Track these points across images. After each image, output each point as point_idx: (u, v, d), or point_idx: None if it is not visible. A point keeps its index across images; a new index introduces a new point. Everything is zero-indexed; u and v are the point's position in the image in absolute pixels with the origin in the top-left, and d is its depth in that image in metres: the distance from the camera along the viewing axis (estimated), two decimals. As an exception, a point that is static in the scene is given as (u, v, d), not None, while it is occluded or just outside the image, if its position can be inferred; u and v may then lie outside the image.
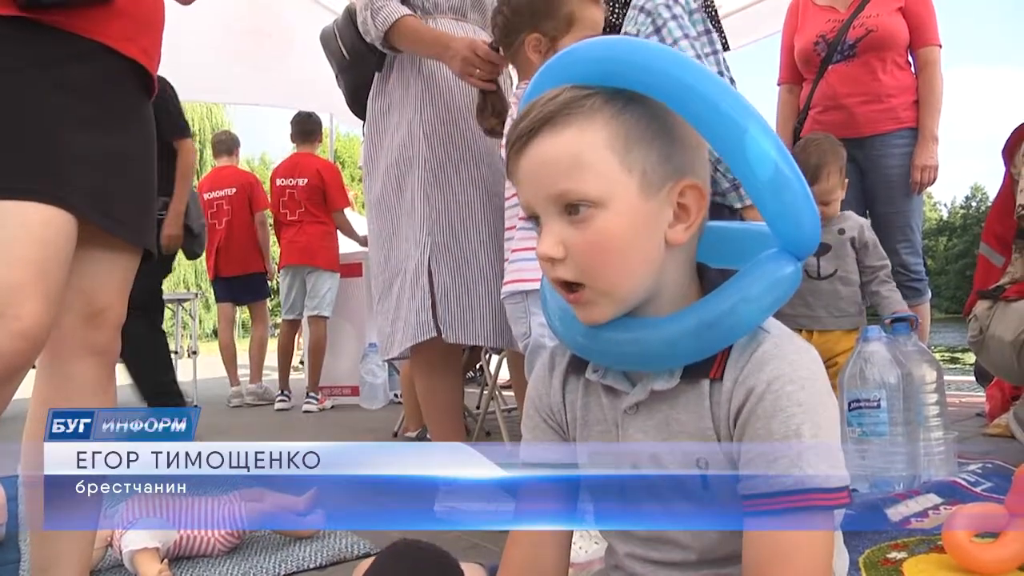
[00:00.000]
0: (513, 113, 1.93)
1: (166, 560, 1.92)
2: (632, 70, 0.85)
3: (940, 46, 3.46)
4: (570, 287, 0.88)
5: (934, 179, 3.42)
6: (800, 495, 0.80)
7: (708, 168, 0.95)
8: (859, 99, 3.42)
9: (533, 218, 0.90)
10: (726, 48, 2.75)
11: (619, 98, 0.86)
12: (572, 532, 1.05)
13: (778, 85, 3.78)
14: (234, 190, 6.25)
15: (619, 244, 0.85)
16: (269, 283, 6.64)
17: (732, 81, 2.48)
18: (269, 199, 6.22)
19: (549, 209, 0.87)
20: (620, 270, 0.86)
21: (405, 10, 2.32)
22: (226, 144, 6.61)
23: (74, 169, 1.29)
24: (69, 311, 1.38)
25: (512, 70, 2.27)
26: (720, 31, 2.56)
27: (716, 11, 2.58)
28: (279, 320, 7.30)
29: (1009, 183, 2.56)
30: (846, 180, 2.95)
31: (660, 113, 0.87)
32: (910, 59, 3.50)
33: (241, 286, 6.32)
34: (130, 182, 1.42)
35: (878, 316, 2.91)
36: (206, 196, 6.30)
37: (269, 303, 6.99)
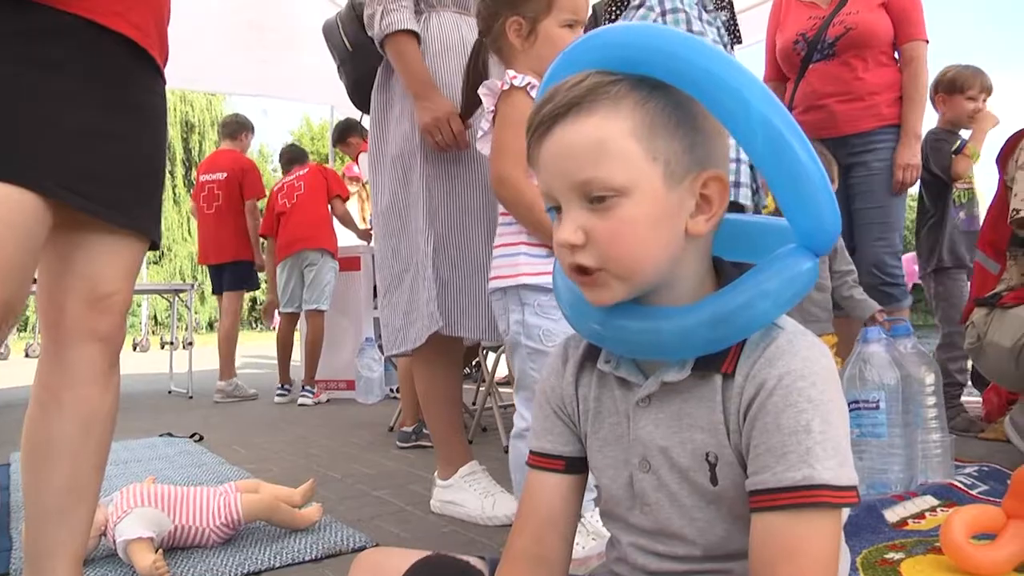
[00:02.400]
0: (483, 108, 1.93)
1: (160, 550, 1.92)
2: (657, 57, 0.84)
3: (927, 41, 3.36)
4: (584, 270, 0.87)
5: (916, 178, 3.33)
6: (808, 491, 0.79)
7: (728, 160, 0.94)
8: (839, 98, 3.33)
9: (553, 206, 0.89)
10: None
11: (644, 85, 0.85)
12: (576, 524, 1.04)
13: (764, 83, 3.72)
14: (225, 175, 6.17)
15: (641, 233, 0.85)
16: (259, 274, 6.54)
17: None
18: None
19: (571, 196, 0.86)
20: (640, 258, 0.86)
21: (412, 24, 2.31)
22: (229, 128, 6.51)
23: (39, 147, 1.25)
24: (72, 296, 1.36)
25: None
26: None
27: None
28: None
29: (1003, 191, 2.57)
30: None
31: (684, 102, 0.86)
32: (895, 55, 3.41)
33: (225, 274, 6.25)
34: (116, 162, 1.37)
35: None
36: (201, 178, 6.29)
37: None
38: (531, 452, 1.06)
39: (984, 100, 3.71)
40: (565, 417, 1.04)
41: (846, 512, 0.86)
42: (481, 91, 1.93)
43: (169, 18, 1.52)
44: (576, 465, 1.03)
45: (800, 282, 0.87)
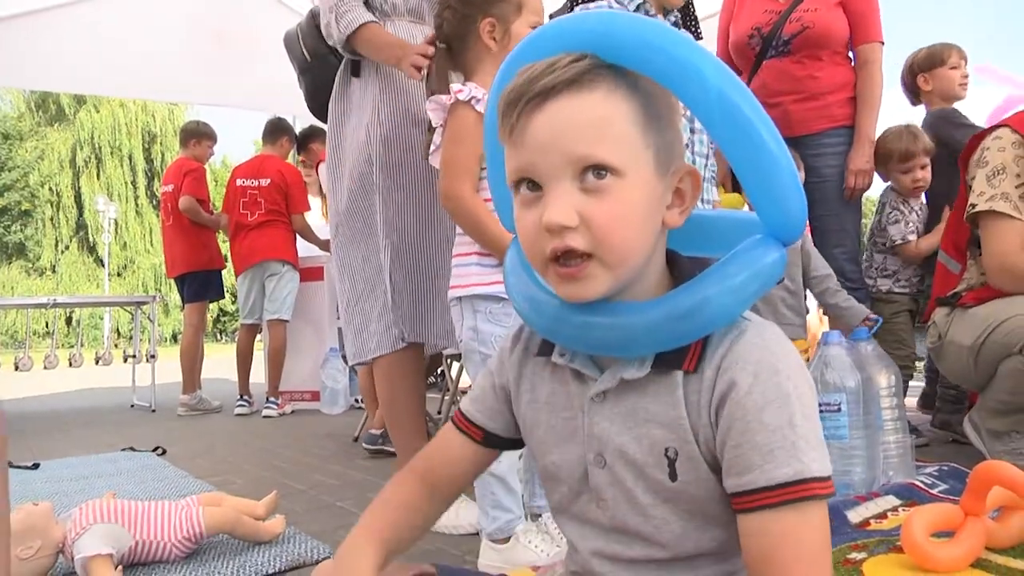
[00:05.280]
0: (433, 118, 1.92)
1: (121, 567, 1.89)
2: (629, 45, 0.82)
3: (882, 43, 3.32)
4: (567, 260, 0.83)
5: (869, 184, 3.30)
6: (800, 485, 0.79)
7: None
8: (793, 97, 3.29)
9: (524, 182, 0.86)
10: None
11: (630, 75, 0.84)
12: (469, 484, 1.11)
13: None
14: (171, 186, 6.10)
15: (636, 218, 0.84)
16: (223, 283, 6.44)
17: None
18: (225, 199, 5.98)
19: (563, 173, 0.82)
20: (632, 245, 0.84)
21: (369, 16, 2.30)
22: (183, 135, 6.41)
23: None
24: None
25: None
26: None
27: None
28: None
29: (964, 191, 2.60)
30: None
31: (659, 95, 0.86)
32: (850, 54, 3.37)
33: (185, 285, 6.17)
34: None
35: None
36: (162, 189, 6.24)
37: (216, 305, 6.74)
38: (459, 411, 1.10)
39: (966, 67, 3.56)
40: (503, 394, 1.05)
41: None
42: (429, 106, 1.93)
43: None
44: (492, 441, 1.06)
45: (767, 274, 0.86)
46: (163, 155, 36.16)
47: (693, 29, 2.93)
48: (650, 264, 0.89)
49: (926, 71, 3.55)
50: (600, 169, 0.81)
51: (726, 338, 0.85)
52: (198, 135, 6.29)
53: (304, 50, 2.76)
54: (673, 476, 0.87)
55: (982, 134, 2.57)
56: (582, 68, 0.82)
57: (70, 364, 19.65)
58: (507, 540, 1.85)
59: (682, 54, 0.81)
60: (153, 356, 6.90)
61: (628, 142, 0.82)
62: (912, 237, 3.31)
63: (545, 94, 0.82)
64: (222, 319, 39.87)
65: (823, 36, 3.26)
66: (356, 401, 5.74)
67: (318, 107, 2.70)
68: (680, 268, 0.92)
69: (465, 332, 1.86)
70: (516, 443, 1.07)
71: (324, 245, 6.03)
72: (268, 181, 5.77)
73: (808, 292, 3.10)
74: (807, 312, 3.07)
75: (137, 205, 37.13)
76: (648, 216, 0.85)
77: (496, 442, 1.06)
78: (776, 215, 0.86)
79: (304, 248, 6.04)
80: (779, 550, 0.79)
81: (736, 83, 0.83)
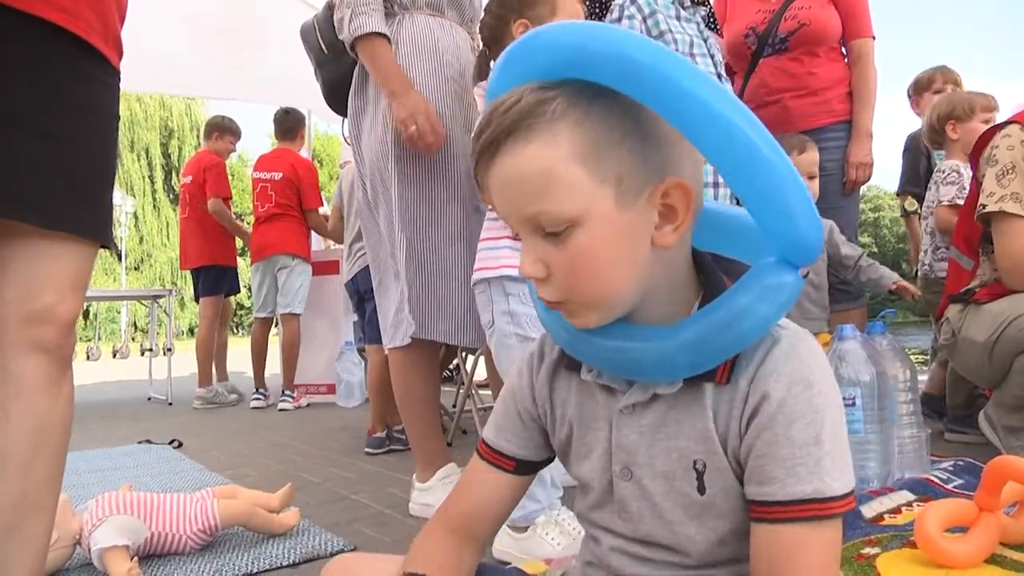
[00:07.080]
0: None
1: (136, 558, 1.90)
2: (605, 61, 0.76)
3: (874, 38, 3.36)
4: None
5: (869, 176, 3.32)
6: (818, 504, 0.78)
7: (698, 162, 0.86)
8: (793, 93, 3.32)
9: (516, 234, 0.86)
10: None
11: (583, 98, 0.78)
12: (508, 515, 1.07)
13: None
14: (190, 178, 6.14)
15: (601, 260, 0.80)
16: (238, 277, 6.46)
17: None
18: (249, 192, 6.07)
19: (524, 228, 0.83)
20: (604, 286, 0.82)
21: (381, 27, 2.28)
22: (207, 127, 6.43)
23: None
24: (9, 308, 1.26)
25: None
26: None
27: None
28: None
29: (975, 187, 2.58)
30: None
31: (631, 110, 0.79)
32: (843, 50, 3.40)
33: (200, 279, 6.19)
34: (47, 159, 1.25)
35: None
36: (182, 181, 6.28)
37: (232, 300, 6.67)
38: (484, 443, 1.06)
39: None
40: (529, 420, 1.03)
41: None
42: (476, 92, 1.94)
43: (123, 6, 1.41)
44: (525, 468, 1.04)
45: (783, 298, 0.81)
46: (180, 149, 36.32)
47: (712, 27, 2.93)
48: (655, 283, 0.86)
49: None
50: (552, 225, 0.80)
51: (760, 348, 0.83)
52: (221, 129, 6.33)
53: (321, 42, 2.76)
54: (701, 489, 0.86)
55: (993, 130, 2.55)
56: (514, 116, 0.79)
57: (88, 357, 19.75)
58: (525, 529, 1.85)
59: (661, 67, 0.75)
60: (170, 350, 6.94)
61: (575, 187, 0.78)
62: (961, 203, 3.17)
63: (493, 148, 0.80)
64: (238, 313, 40.03)
65: (820, 33, 3.30)
66: (371, 395, 5.76)
67: (336, 100, 2.70)
68: (709, 274, 0.89)
69: (499, 317, 1.86)
70: (547, 460, 1.07)
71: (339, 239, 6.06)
72: (280, 175, 5.81)
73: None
74: (828, 305, 3.05)
75: (154, 199, 37.28)
76: (619, 252, 0.81)
77: (528, 468, 1.05)
78: (789, 243, 0.80)
79: (320, 241, 6.05)
80: (787, 562, 0.79)
81: (726, 96, 0.76)
